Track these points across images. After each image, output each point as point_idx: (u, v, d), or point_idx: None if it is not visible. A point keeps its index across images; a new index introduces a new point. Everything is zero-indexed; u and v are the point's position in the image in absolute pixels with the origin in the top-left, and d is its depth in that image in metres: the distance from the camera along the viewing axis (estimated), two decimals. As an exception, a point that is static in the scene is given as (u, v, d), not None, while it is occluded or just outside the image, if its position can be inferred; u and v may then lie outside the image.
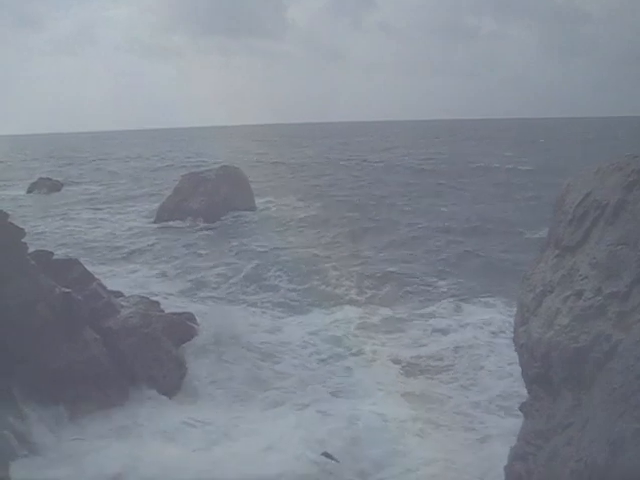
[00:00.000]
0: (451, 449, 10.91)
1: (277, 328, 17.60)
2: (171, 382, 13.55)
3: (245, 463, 10.50)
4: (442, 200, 38.53)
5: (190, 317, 16.05)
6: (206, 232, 31.68)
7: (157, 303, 15.85)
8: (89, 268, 15.79)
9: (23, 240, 12.60)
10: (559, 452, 5.69)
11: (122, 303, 14.75)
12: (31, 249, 13.29)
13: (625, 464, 4.61)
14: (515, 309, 7.76)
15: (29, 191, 48.00)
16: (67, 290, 12.80)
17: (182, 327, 15.21)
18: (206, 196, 34.54)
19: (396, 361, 15.21)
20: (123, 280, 21.39)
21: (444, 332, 16.96)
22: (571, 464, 5.31)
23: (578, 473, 5.15)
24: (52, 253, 14.87)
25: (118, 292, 15.88)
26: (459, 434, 11.61)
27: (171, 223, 33.42)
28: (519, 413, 7.37)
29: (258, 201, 37.91)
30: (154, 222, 34.32)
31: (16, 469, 9.83)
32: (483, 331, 16.57)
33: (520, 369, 7.34)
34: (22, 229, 12.73)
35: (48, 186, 49.05)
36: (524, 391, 7.42)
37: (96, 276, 15.44)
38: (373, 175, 50.72)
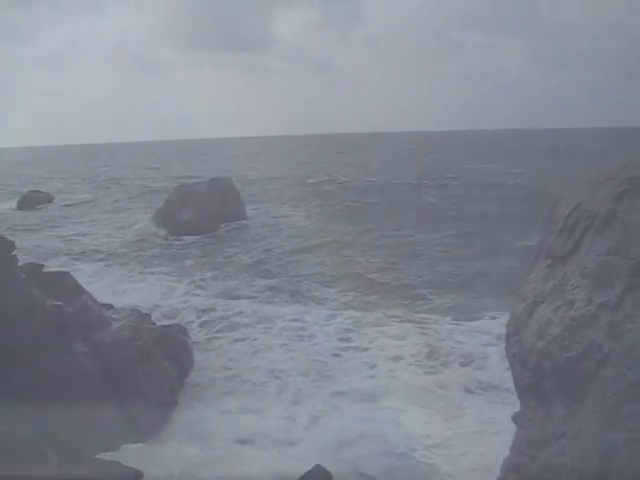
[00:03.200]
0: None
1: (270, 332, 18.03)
2: (163, 396, 13.47)
3: None
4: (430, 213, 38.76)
5: (181, 330, 16.00)
6: (196, 244, 31.72)
7: (148, 316, 15.80)
8: (78, 278, 15.81)
9: (13, 253, 12.54)
10: (552, 462, 5.67)
11: (113, 316, 14.68)
12: (21, 261, 13.25)
13: (618, 474, 4.61)
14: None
15: (19, 204, 47.63)
16: (58, 303, 12.72)
17: (174, 340, 15.15)
18: (197, 208, 34.54)
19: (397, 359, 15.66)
20: (113, 290, 21.64)
21: (446, 339, 17.14)
22: (564, 474, 5.30)
23: (571, 483, 5.14)
24: (42, 266, 14.79)
25: (109, 305, 15.82)
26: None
27: (162, 235, 33.43)
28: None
29: (250, 212, 38.16)
30: (144, 233, 34.32)
31: None
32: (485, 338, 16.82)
33: (513, 379, 7.34)
34: (12, 242, 12.67)
35: (38, 199, 48.72)
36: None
37: (86, 287, 15.40)
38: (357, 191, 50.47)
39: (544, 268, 7.04)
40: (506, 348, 7.42)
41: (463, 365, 15.24)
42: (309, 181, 55.91)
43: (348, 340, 17.21)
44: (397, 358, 15.78)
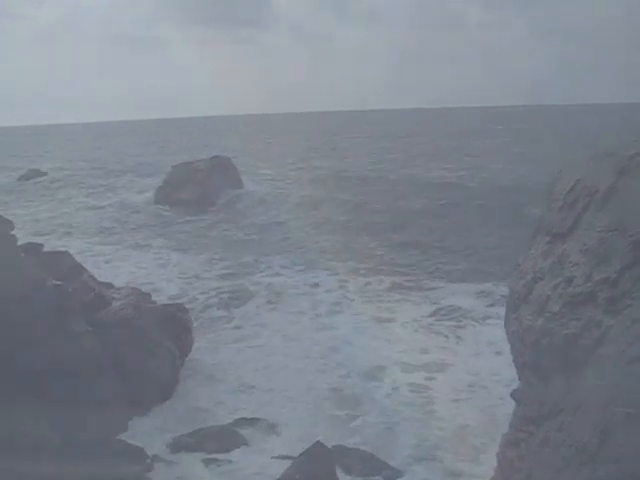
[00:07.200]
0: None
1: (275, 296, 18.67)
2: (165, 374, 13.52)
3: None
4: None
5: (181, 308, 16.01)
6: (197, 220, 31.88)
7: (148, 295, 15.78)
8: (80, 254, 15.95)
9: (12, 232, 12.50)
10: (550, 438, 5.70)
11: (113, 295, 14.67)
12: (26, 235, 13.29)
13: (615, 449, 4.63)
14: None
15: (19, 181, 48.51)
16: (58, 282, 12.70)
17: (174, 319, 15.16)
18: (197, 186, 34.54)
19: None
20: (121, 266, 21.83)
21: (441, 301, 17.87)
22: (562, 450, 5.33)
23: (569, 458, 5.17)
24: (42, 245, 14.75)
25: (109, 283, 15.82)
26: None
27: (162, 211, 33.52)
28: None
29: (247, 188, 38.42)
30: (144, 209, 34.54)
31: None
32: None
33: (511, 356, 7.35)
34: (11, 221, 12.63)
35: (38, 176, 49.35)
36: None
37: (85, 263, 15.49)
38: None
39: (544, 245, 7.01)
40: (505, 325, 7.43)
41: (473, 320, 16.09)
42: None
43: (354, 304, 17.57)
44: (406, 317, 16.70)
